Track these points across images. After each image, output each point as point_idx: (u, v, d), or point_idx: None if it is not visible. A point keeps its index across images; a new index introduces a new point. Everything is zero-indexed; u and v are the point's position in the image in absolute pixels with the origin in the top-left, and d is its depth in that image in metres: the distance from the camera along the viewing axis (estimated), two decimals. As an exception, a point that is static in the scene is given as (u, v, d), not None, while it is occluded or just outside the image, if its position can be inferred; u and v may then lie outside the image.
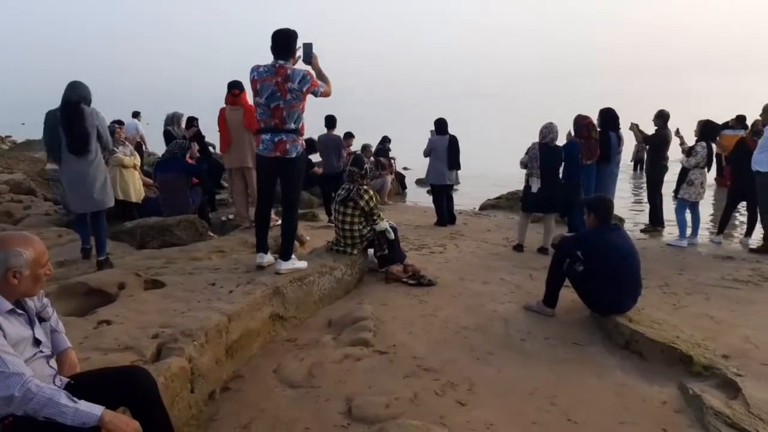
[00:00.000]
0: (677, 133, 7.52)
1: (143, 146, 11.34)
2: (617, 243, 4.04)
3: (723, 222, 7.22)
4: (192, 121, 8.89)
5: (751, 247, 6.77)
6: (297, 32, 4.15)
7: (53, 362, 2.10)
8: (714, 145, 7.11)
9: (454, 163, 8.37)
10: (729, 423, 2.72)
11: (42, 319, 2.12)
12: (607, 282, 3.92)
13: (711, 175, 8.03)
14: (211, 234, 6.29)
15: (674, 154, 7.78)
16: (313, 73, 4.19)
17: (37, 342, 2.02)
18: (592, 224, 4.19)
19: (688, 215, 6.97)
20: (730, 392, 3.06)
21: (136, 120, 12.67)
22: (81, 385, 2.08)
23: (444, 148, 8.29)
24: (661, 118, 7.68)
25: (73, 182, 4.75)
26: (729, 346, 3.73)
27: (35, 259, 1.96)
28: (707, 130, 6.99)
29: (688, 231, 7.01)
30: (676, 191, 7.06)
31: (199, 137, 8.71)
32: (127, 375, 2.21)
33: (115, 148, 6.96)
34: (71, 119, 4.60)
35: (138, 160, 7.54)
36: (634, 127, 7.88)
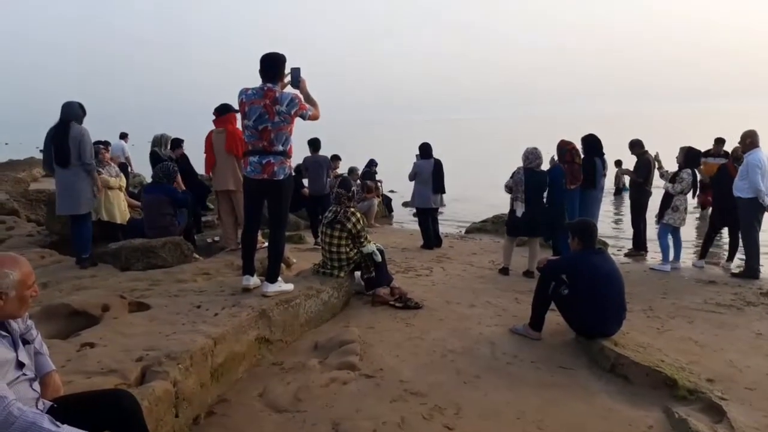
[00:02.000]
0: (656, 157, 7.67)
1: (129, 167, 11.27)
2: (601, 266, 4.08)
3: (705, 247, 7.33)
4: (178, 143, 8.87)
5: (733, 271, 6.87)
6: (285, 56, 4.20)
7: (36, 385, 2.07)
8: (697, 172, 7.26)
9: (438, 186, 8.42)
10: (714, 447, 2.74)
11: (26, 342, 2.10)
12: (591, 305, 3.95)
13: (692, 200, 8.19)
14: (197, 256, 6.24)
15: (657, 180, 7.91)
16: (301, 96, 4.23)
17: (20, 365, 1.99)
18: (576, 248, 4.24)
19: (670, 240, 7.08)
20: (714, 416, 3.09)
21: (122, 141, 12.67)
22: (64, 409, 2.05)
23: (429, 172, 8.36)
24: (638, 145, 7.88)
25: (58, 188, 5.73)
26: (713, 370, 3.77)
27: (22, 280, 1.94)
28: (690, 156, 7.13)
29: (671, 255, 7.10)
30: (660, 216, 7.16)
31: (184, 159, 8.68)
32: (111, 398, 2.18)
33: (100, 169, 6.92)
34: (58, 136, 5.46)
35: (123, 182, 7.49)
36: (626, 171, 8.06)
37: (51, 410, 2.00)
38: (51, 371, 2.23)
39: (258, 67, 4.16)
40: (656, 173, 7.68)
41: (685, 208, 7.03)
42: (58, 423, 1.81)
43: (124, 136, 13.00)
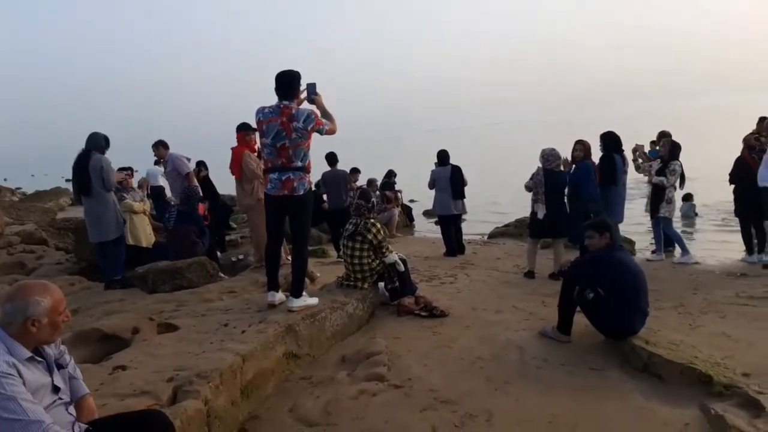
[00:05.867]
0: (635, 149, 7.64)
1: (164, 192, 11.29)
2: (630, 261, 4.06)
3: (748, 241, 7.17)
4: (200, 166, 9.02)
5: (765, 263, 6.71)
6: (300, 73, 4.26)
7: (72, 409, 2.12)
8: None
9: (457, 192, 8.41)
10: (754, 442, 2.68)
11: (60, 366, 2.14)
12: (621, 303, 3.90)
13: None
14: (222, 275, 6.32)
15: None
16: (317, 111, 4.27)
17: (56, 389, 2.04)
18: (602, 245, 4.18)
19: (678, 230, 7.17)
20: (753, 411, 3.00)
21: (158, 167, 12.93)
22: (99, 431, 2.09)
23: (446, 179, 8.38)
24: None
25: (86, 216, 6.10)
26: (749, 365, 3.67)
27: (53, 307, 1.99)
28: (676, 148, 7.12)
29: (681, 247, 7.23)
30: (656, 211, 7.11)
31: (207, 182, 8.82)
32: (145, 419, 2.22)
33: (124, 194, 7.07)
34: (78, 166, 5.80)
35: (148, 206, 7.64)
36: (641, 148, 7.92)
37: (86, 433, 2.04)
38: (85, 395, 2.27)
39: (273, 85, 4.22)
40: (632, 166, 7.54)
41: (674, 199, 7.22)
42: (94, 445, 1.84)
43: (158, 162, 13.25)
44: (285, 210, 4.36)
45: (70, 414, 2.08)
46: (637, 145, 7.69)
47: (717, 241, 9.21)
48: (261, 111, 4.24)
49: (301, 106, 4.26)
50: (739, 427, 2.78)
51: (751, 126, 7.70)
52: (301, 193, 4.23)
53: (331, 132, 4.33)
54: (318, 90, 4.36)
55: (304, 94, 4.33)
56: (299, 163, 4.22)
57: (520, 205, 10.51)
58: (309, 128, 4.15)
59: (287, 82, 4.21)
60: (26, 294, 1.95)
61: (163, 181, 11.26)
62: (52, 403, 2.00)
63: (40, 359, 2.02)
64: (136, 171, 8.95)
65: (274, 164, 4.24)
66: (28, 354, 1.95)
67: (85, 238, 7.26)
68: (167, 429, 2.21)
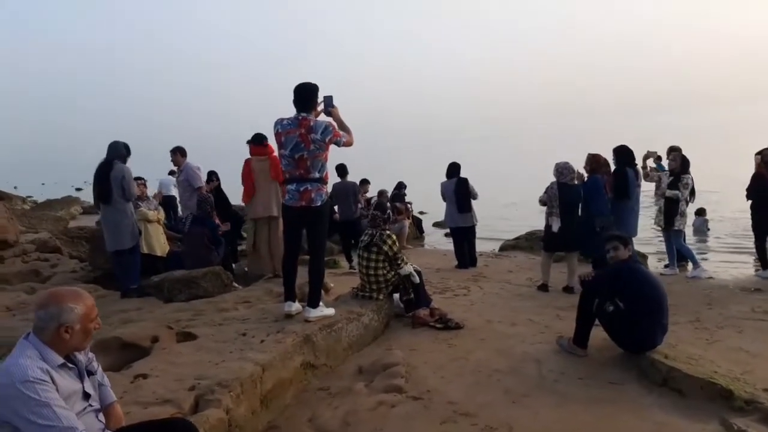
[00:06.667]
0: (646, 156, 7.59)
1: (176, 201, 11.43)
2: (649, 275, 4.07)
3: (762, 257, 7.12)
4: (212, 176, 9.08)
5: (780, 278, 6.68)
6: (318, 85, 4.31)
7: (101, 416, 2.14)
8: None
9: (462, 205, 8.42)
10: (778, 458, 2.66)
11: (90, 373, 2.17)
12: (643, 315, 3.89)
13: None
14: (236, 285, 6.35)
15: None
16: (335, 123, 4.32)
17: (86, 396, 2.07)
18: (622, 257, 4.18)
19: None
20: (774, 426, 2.99)
21: (171, 177, 13.12)
22: (128, 439, 2.11)
23: (452, 191, 8.41)
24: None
25: (104, 225, 6.08)
26: (769, 380, 3.65)
27: (86, 313, 2.02)
28: (686, 162, 7.16)
29: (692, 261, 7.23)
30: (670, 224, 7.08)
31: (219, 191, 8.86)
32: (172, 427, 2.24)
33: (140, 203, 7.13)
34: (100, 175, 5.83)
35: (162, 215, 7.69)
36: (653, 154, 7.87)
37: (115, 440, 2.06)
38: (113, 402, 2.30)
39: (292, 97, 4.26)
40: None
41: (686, 212, 7.25)
42: (127, 451, 1.86)
43: (173, 172, 13.48)
44: (302, 221, 4.39)
45: (100, 421, 2.11)
46: (649, 151, 7.65)
47: (730, 254, 9.18)
48: (279, 123, 4.28)
49: (318, 118, 4.31)
50: (763, 443, 2.77)
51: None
52: (319, 204, 4.26)
53: (348, 144, 4.38)
54: (335, 103, 4.42)
55: (321, 107, 4.38)
56: (317, 174, 4.26)
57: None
58: (327, 140, 4.20)
59: (306, 95, 4.26)
60: (60, 301, 1.98)
61: (174, 191, 11.35)
62: (83, 410, 2.03)
63: (71, 366, 2.04)
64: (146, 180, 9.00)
65: (293, 175, 4.28)
66: (61, 360, 1.98)
67: (99, 246, 7.31)
68: (192, 437, 2.23)
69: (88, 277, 7.39)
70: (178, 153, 7.65)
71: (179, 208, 10.91)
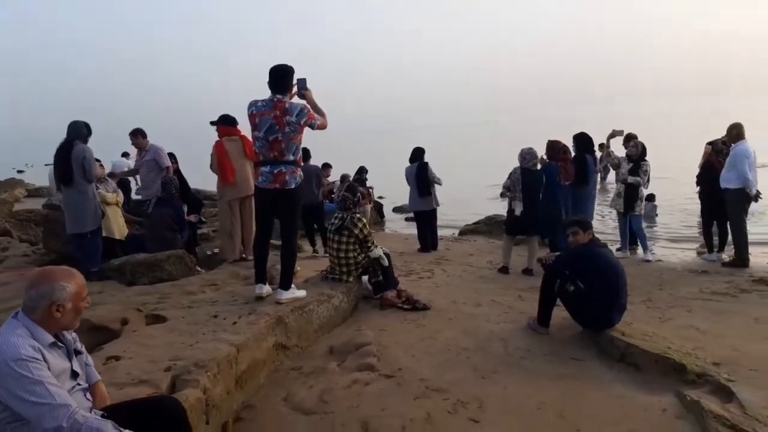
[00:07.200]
0: (605, 146, 7.90)
1: (130, 185, 11.22)
2: (610, 258, 4.24)
3: (708, 240, 7.52)
4: (171, 158, 8.87)
5: (724, 261, 7.08)
6: (293, 68, 4.29)
7: (89, 395, 2.13)
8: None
9: (421, 190, 8.55)
10: (728, 425, 2.86)
11: (77, 352, 2.15)
12: (604, 297, 4.08)
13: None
14: (199, 269, 6.27)
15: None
16: (309, 106, 4.31)
17: (75, 374, 2.06)
18: (582, 241, 4.36)
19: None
20: (724, 397, 3.21)
21: (125, 159, 12.99)
22: (114, 417, 2.11)
23: (413, 176, 8.53)
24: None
25: (64, 207, 5.87)
26: (717, 355, 3.91)
27: (77, 292, 2.01)
28: (645, 149, 7.46)
29: (643, 245, 7.55)
30: (630, 209, 7.38)
31: (178, 174, 8.67)
32: (159, 405, 2.26)
33: (98, 185, 6.93)
34: (60, 155, 5.63)
35: (121, 198, 7.50)
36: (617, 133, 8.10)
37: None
38: (98, 381, 2.29)
39: (267, 78, 4.23)
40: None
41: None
42: (120, 428, 1.87)
43: (126, 154, 13.27)
44: (275, 203, 4.38)
45: (88, 400, 2.10)
46: (614, 130, 7.85)
47: (676, 240, 9.65)
48: (254, 104, 4.25)
49: (293, 100, 4.30)
50: (715, 411, 2.97)
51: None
52: (293, 186, 4.27)
53: (323, 127, 4.38)
54: (307, 85, 4.41)
55: (294, 89, 4.37)
56: (291, 157, 4.25)
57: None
58: (302, 122, 4.19)
59: (281, 77, 4.23)
60: (52, 279, 1.96)
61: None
62: (72, 389, 2.02)
63: (60, 345, 2.03)
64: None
65: (266, 157, 4.26)
66: (51, 339, 1.97)
67: (53, 229, 7.09)
68: (181, 414, 2.25)
69: (41, 260, 7.14)
70: (140, 135, 7.45)
71: (132, 192, 10.69)
